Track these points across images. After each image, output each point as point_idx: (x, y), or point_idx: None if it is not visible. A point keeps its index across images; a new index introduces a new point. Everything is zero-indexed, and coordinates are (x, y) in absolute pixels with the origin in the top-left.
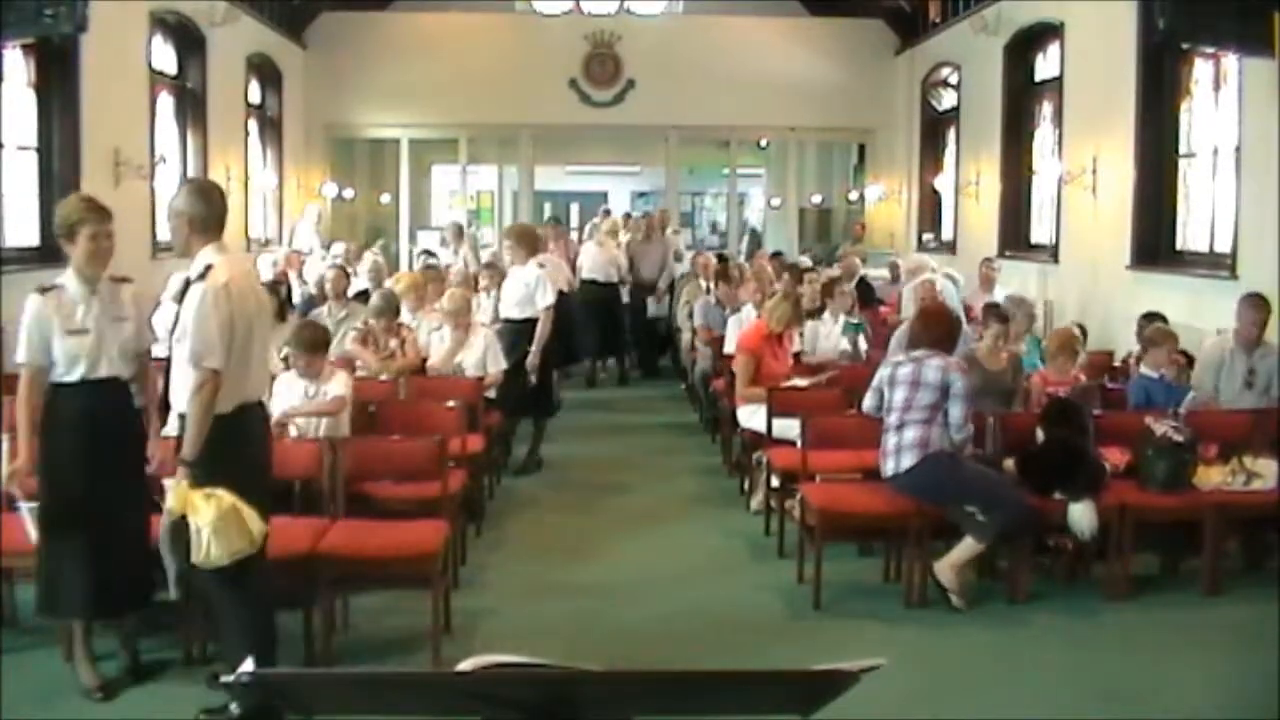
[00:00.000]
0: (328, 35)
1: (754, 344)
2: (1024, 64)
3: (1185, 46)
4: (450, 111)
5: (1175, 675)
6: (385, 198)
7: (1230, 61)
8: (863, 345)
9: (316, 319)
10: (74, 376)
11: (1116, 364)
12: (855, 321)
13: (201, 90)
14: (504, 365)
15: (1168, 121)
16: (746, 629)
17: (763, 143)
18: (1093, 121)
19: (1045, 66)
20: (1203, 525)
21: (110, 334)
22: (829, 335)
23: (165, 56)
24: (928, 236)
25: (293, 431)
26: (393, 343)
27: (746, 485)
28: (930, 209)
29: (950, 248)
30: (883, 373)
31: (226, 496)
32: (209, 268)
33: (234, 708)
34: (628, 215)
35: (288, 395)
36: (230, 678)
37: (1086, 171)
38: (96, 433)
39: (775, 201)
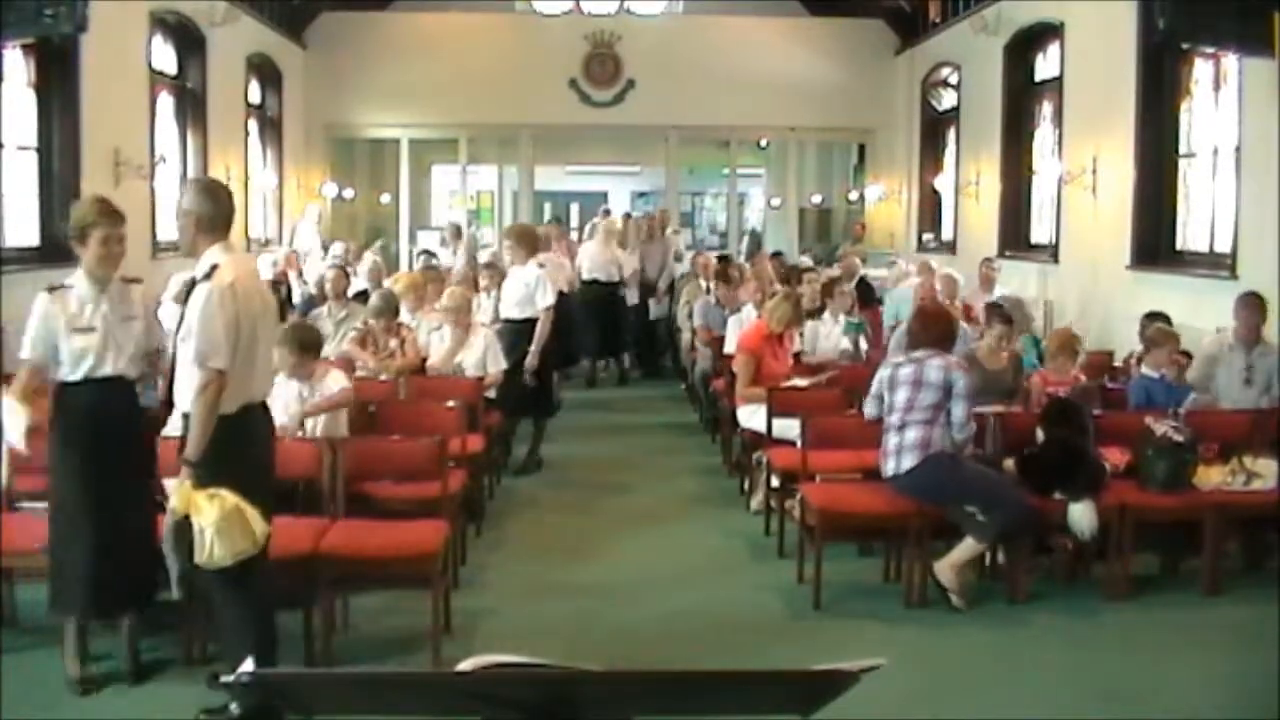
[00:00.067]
0: (328, 35)
1: (754, 344)
2: (1024, 64)
3: (1185, 46)
4: (450, 111)
5: (1175, 675)
6: (385, 198)
7: (1230, 61)
8: (863, 345)
9: (316, 319)
10: (79, 374)
11: (1117, 364)
12: (855, 321)
13: (201, 90)
14: (504, 365)
15: (1168, 121)
16: (746, 629)
17: (763, 143)
18: (1093, 121)
19: (1045, 66)
20: (1203, 525)
21: (119, 333)
22: (829, 335)
23: (165, 56)
24: (928, 236)
25: (308, 428)
26: (392, 343)
27: (746, 485)
28: (930, 209)
29: (950, 248)
30: (882, 374)
31: (230, 497)
32: (215, 267)
33: (234, 708)
34: (628, 215)
35: (284, 397)
36: (230, 678)
37: (1086, 171)
38: (101, 431)
39: (775, 201)
